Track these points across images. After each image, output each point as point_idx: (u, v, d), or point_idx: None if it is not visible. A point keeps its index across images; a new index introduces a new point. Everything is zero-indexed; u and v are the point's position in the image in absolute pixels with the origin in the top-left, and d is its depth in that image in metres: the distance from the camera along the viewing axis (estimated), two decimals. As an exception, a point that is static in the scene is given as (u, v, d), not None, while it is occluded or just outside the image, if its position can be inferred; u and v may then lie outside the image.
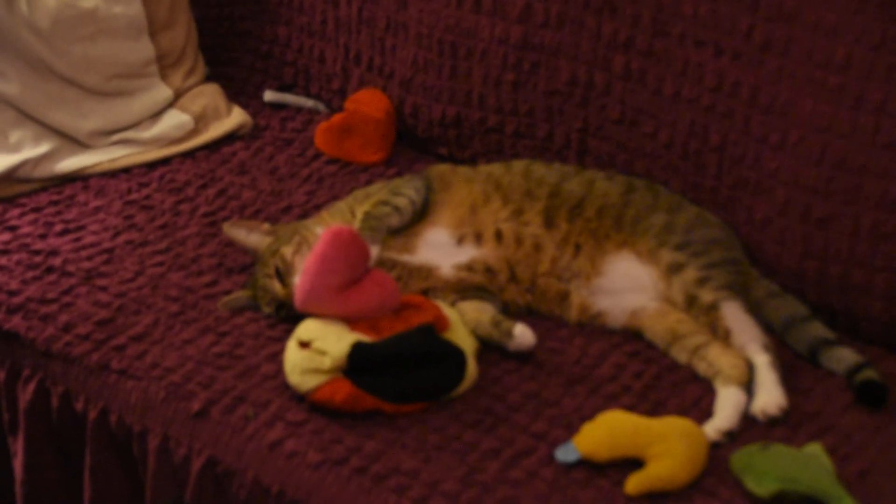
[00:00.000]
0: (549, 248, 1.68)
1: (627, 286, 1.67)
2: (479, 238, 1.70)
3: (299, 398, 1.53)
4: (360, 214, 1.70)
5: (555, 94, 1.91)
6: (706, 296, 1.63)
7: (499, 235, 1.70)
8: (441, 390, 1.53)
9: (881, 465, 1.45)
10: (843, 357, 1.59)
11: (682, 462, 1.41)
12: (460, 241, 1.70)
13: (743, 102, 1.72)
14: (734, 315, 1.61)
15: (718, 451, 1.45)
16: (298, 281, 1.57)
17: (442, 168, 1.82)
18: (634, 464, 1.43)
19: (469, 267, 1.68)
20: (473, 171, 1.81)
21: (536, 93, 1.93)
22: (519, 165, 1.80)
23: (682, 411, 1.52)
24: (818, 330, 1.63)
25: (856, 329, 1.66)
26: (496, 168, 1.80)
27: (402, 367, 1.50)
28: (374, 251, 1.62)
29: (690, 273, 1.64)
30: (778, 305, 1.67)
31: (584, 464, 1.44)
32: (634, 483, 1.41)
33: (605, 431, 1.45)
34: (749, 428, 1.50)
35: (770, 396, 1.52)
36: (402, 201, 1.71)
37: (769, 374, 1.55)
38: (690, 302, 1.63)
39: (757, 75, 1.71)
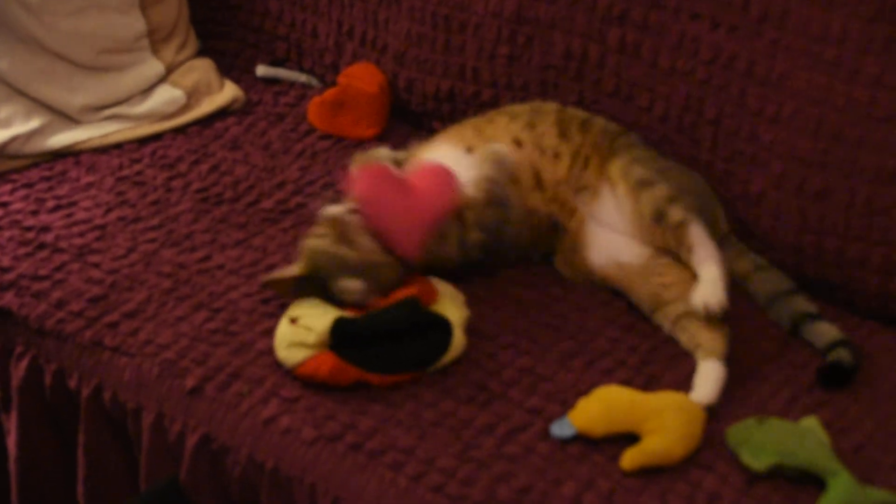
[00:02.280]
0: (565, 157, 1.70)
1: (613, 219, 1.67)
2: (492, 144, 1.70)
3: (294, 375, 1.52)
4: None
5: (549, 67, 1.90)
6: (676, 213, 1.62)
7: (518, 142, 1.70)
8: (426, 360, 1.52)
9: (877, 439, 1.45)
10: (824, 332, 1.59)
11: (678, 437, 1.41)
12: (469, 150, 1.70)
13: (739, 75, 1.71)
14: (700, 235, 1.61)
15: (714, 425, 1.45)
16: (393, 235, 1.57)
17: None
18: (630, 439, 1.43)
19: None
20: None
21: (531, 66, 1.91)
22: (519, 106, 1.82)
23: (677, 385, 1.52)
24: (801, 304, 1.62)
25: (852, 303, 1.66)
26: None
27: (386, 338, 1.50)
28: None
29: (661, 190, 1.65)
30: (763, 279, 1.67)
31: (580, 439, 1.44)
32: (630, 458, 1.41)
33: (601, 407, 1.45)
34: (744, 402, 1.50)
35: (714, 291, 1.54)
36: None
37: (717, 272, 1.56)
38: (658, 217, 1.63)
39: (753, 48, 1.70)
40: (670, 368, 1.56)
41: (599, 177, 1.69)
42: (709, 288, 1.55)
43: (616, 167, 1.69)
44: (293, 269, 1.59)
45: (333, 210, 1.60)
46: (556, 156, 1.70)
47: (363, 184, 1.60)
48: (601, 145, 1.72)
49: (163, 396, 1.56)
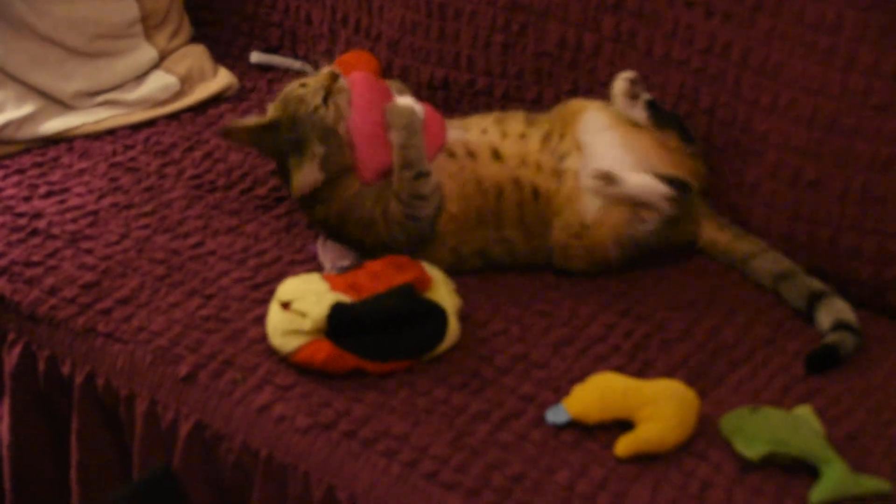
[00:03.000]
0: (534, 137, 1.70)
1: (603, 154, 1.69)
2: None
3: (289, 362, 1.52)
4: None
5: (544, 55, 1.90)
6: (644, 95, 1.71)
7: (483, 131, 1.71)
8: (423, 348, 1.52)
9: (870, 427, 1.45)
10: (840, 309, 1.58)
11: (672, 425, 1.41)
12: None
13: (734, 64, 1.71)
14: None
15: (708, 414, 1.45)
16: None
17: None
18: (624, 426, 1.43)
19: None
20: None
21: (525, 55, 1.91)
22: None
23: (670, 370, 1.52)
24: (813, 283, 1.62)
25: (846, 292, 1.65)
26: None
27: (383, 326, 1.50)
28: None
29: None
30: (771, 258, 1.67)
31: (574, 426, 1.44)
32: (624, 445, 1.41)
33: (596, 393, 1.44)
34: (738, 390, 1.50)
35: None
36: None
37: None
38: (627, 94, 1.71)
39: (748, 36, 1.70)
40: (663, 353, 1.56)
41: (574, 136, 1.70)
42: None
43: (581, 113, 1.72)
44: (259, 118, 1.64)
45: (333, 68, 1.64)
46: (522, 136, 1.70)
47: (362, 78, 1.65)
48: (566, 116, 1.73)
49: (156, 383, 1.55)
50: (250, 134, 1.67)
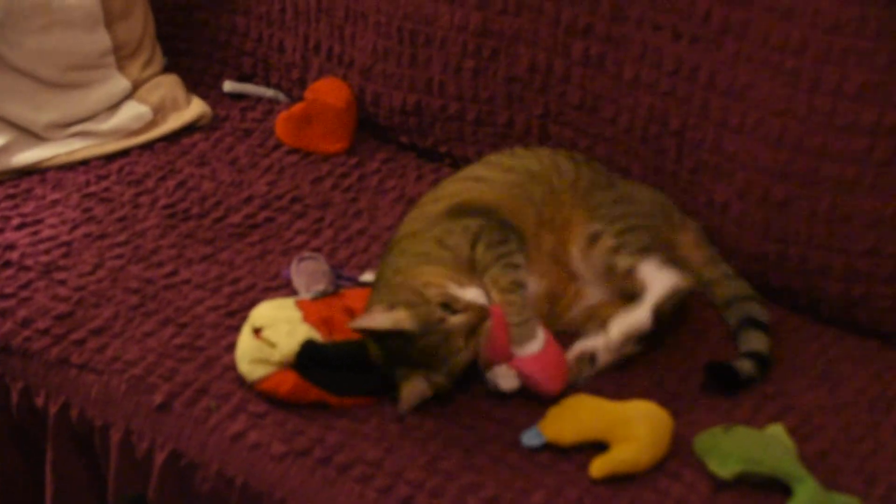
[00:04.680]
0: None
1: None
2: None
3: (254, 389, 1.52)
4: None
5: (515, 80, 1.91)
6: (622, 262, 1.59)
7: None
8: (386, 388, 1.51)
9: (840, 445, 1.46)
10: (752, 340, 1.58)
11: (646, 445, 1.42)
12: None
13: (701, 86, 1.73)
14: (650, 271, 1.58)
15: (682, 433, 1.46)
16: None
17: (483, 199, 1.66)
18: (599, 447, 1.43)
19: None
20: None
21: (496, 80, 1.92)
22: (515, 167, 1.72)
23: (647, 391, 1.52)
24: (756, 310, 1.63)
25: (816, 310, 1.67)
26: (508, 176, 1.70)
27: (350, 365, 1.50)
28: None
29: (607, 241, 1.61)
30: (729, 285, 1.68)
31: (549, 448, 1.44)
32: (598, 466, 1.41)
33: (570, 416, 1.45)
34: (711, 410, 1.51)
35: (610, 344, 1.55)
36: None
37: (634, 324, 1.54)
38: (609, 271, 1.60)
39: (715, 59, 1.71)
40: (640, 375, 1.57)
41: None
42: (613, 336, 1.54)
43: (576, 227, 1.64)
44: (401, 321, 1.45)
45: (483, 300, 1.50)
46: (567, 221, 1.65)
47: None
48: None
49: (131, 413, 1.55)
50: (382, 335, 1.48)
